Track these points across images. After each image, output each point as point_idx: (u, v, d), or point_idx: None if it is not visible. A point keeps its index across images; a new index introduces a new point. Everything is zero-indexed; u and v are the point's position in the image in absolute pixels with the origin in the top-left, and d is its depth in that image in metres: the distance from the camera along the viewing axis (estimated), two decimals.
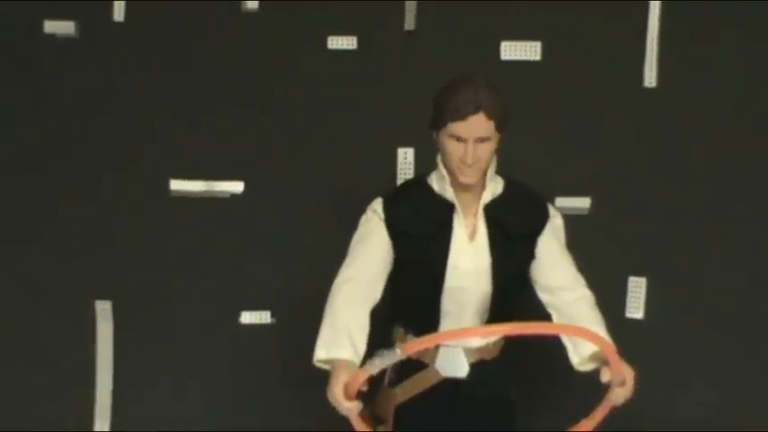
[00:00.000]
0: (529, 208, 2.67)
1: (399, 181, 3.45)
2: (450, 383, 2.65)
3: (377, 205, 2.64)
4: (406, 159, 3.50)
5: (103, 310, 3.59)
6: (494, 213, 2.62)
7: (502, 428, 2.70)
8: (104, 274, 3.58)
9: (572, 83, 3.47)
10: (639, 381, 2.42)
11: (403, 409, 2.65)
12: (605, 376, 2.38)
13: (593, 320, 2.54)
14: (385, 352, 2.22)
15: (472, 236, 2.61)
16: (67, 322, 3.59)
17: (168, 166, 3.55)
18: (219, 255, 3.57)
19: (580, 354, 2.53)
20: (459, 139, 2.47)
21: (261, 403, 3.57)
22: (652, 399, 3.42)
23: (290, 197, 3.55)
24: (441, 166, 2.60)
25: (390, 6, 3.49)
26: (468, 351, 2.65)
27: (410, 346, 2.26)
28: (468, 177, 2.52)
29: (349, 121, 3.52)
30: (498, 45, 3.48)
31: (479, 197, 2.61)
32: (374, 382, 2.43)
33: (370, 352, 2.31)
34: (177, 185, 3.56)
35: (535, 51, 3.48)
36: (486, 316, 2.64)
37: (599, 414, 2.46)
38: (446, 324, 2.62)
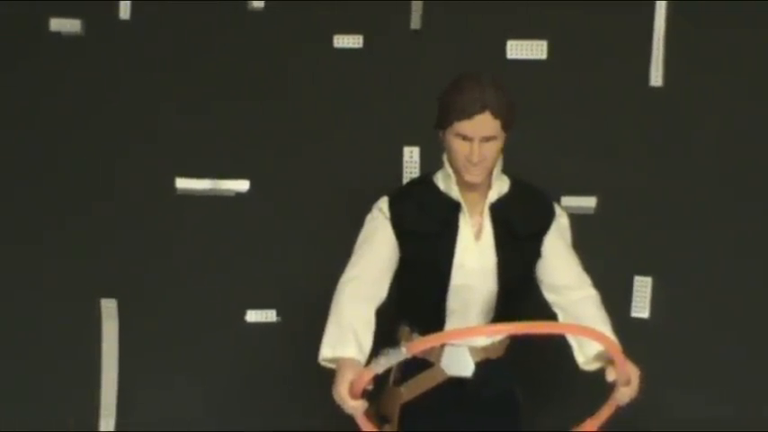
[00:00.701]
0: (535, 207, 2.67)
1: (405, 180, 3.45)
2: (456, 382, 2.64)
3: (382, 204, 2.64)
4: (411, 158, 3.50)
5: (109, 309, 3.60)
6: (500, 212, 2.61)
7: (507, 428, 2.70)
8: (110, 273, 3.59)
9: (578, 82, 3.46)
10: (645, 380, 2.42)
11: (408, 408, 2.64)
12: (611, 376, 2.38)
13: (598, 320, 2.53)
14: (390, 351, 2.22)
15: (478, 235, 2.60)
16: (73, 320, 3.60)
17: (174, 165, 3.56)
18: (225, 253, 3.57)
19: (585, 353, 2.52)
20: (465, 138, 2.46)
21: (266, 402, 3.57)
22: (657, 398, 3.40)
23: (295, 196, 3.55)
24: (446, 165, 2.59)
25: (396, 5, 3.49)
26: (473, 350, 2.64)
27: (415, 345, 2.26)
28: (474, 176, 2.52)
29: (355, 119, 3.52)
30: (504, 44, 3.48)
31: (485, 196, 2.61)
32: (379, 380, 2.43)
33: (376, 350, 2.31)
34: (183, 184, 3.56)
35: (541, 50, 3.47)
36: (491, 315, 2.64)
37: (604, 413, 2.45)
38: (451, 323, 2.62)
